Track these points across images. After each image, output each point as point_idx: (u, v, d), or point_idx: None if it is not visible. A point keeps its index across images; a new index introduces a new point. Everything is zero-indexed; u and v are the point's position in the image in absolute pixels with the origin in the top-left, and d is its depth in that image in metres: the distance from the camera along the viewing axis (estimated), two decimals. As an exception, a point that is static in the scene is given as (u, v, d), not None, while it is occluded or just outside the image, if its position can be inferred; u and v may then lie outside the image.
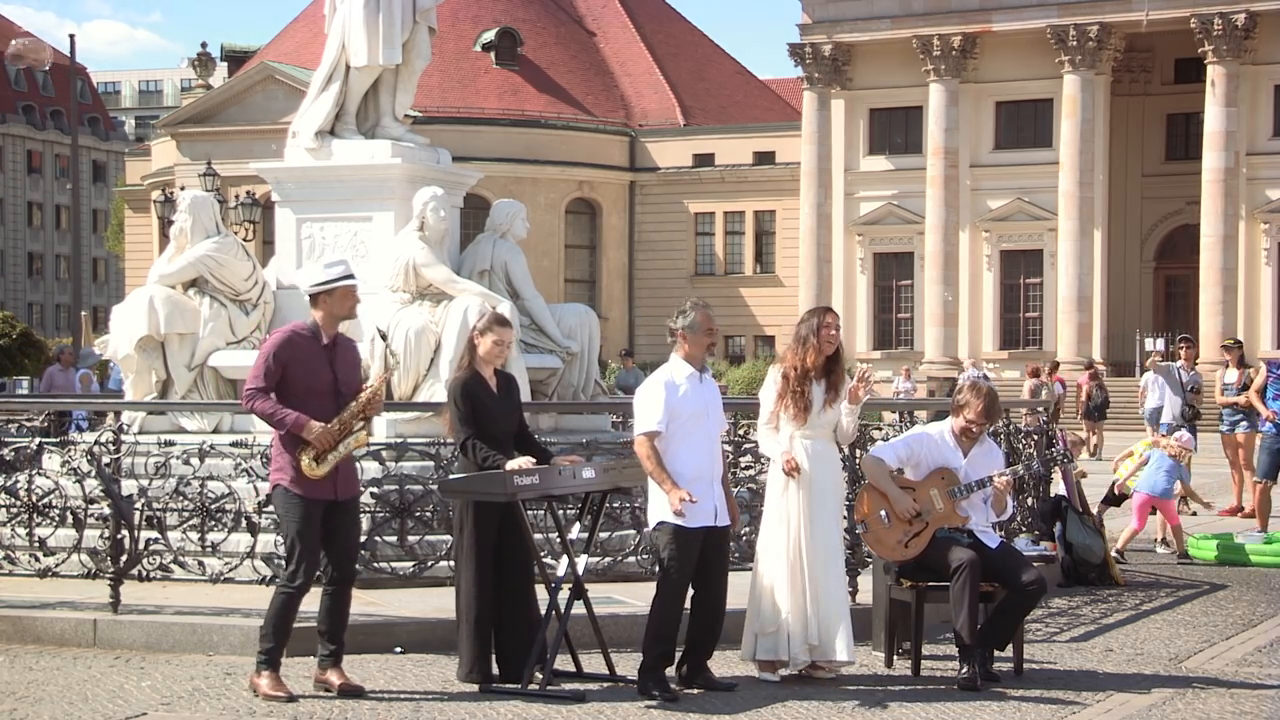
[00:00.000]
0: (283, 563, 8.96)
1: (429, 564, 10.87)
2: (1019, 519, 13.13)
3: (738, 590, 9.34)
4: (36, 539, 10.93)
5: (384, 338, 9.55)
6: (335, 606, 8.74)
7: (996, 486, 9.40)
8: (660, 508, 8.81)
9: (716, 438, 9.16)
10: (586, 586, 9.03)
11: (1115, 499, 15.99)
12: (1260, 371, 18.45)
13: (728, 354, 58.12)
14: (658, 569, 8.93)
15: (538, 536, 9.78)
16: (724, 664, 9.36)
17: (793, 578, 9.12)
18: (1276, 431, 17.32)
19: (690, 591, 8.93)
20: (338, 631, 8.74)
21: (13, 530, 11.11)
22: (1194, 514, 19.40)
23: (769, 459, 9.49)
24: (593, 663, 9.08)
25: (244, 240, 25.36)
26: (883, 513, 9.39)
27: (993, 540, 9.53)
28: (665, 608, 8.78)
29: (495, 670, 8.96)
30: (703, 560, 8.85)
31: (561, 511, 9.52)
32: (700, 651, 8.97)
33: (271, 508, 10.03)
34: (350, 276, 8.78)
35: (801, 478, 9.14)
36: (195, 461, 10.81)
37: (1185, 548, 15.24)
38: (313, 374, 8.62)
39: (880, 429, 13.46)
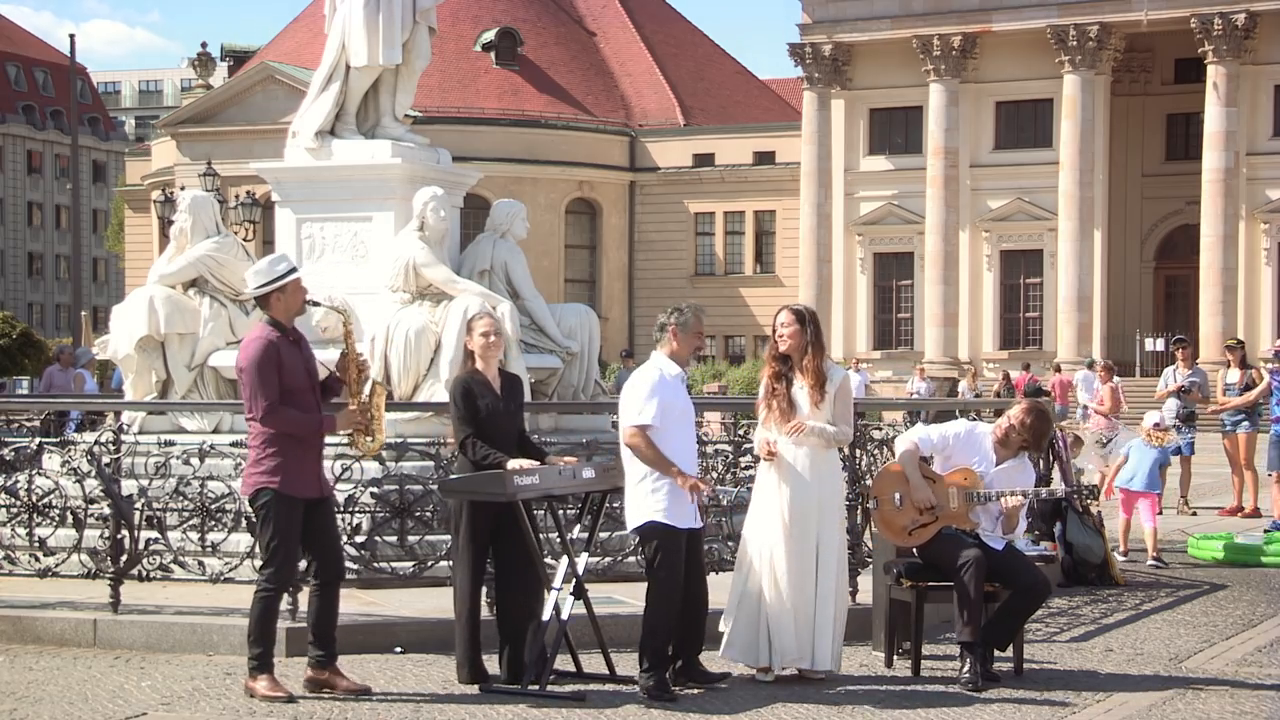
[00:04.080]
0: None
1: (429, 564, 10.85)
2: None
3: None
4: (36, 539, 10.92)
5: (315, 304, 9.49)
6: (324, 606, 8.71)
7: (1005, 507, 9.36)
8: (645, 508, 8.78)
9: (695, 440, 9.19)
10: (586, 586, 9.03)
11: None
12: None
13: (728, 354, 58.13)
14: (647, 571, 8.88)
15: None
16: (711, 664, 9.34)
17: (772, 583, 9.06)
18: None
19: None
20: (328, 631, 8.69)
21: (13, 530, 11.10)
22: (1194, 513, 19.41)
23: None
24: (593, 663, 9.08)
25: (244, 240, 25.38)
26: (897, 495, 9.38)
27: (998, 543, 9.51)
28: (660, 609, 8.75)
29: (496, 670, 8.96)
30: (685, 562, 8.85)
31: (561, 511, 9.52)
32: (689, 649, 8.96)
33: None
34: (295, 270, 8.83)
35: (787, 481, 9.10)
36: (195, 461, 10.80)
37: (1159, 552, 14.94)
38: (295, 373, 8.68)
39: (880, 429, 13.44)
